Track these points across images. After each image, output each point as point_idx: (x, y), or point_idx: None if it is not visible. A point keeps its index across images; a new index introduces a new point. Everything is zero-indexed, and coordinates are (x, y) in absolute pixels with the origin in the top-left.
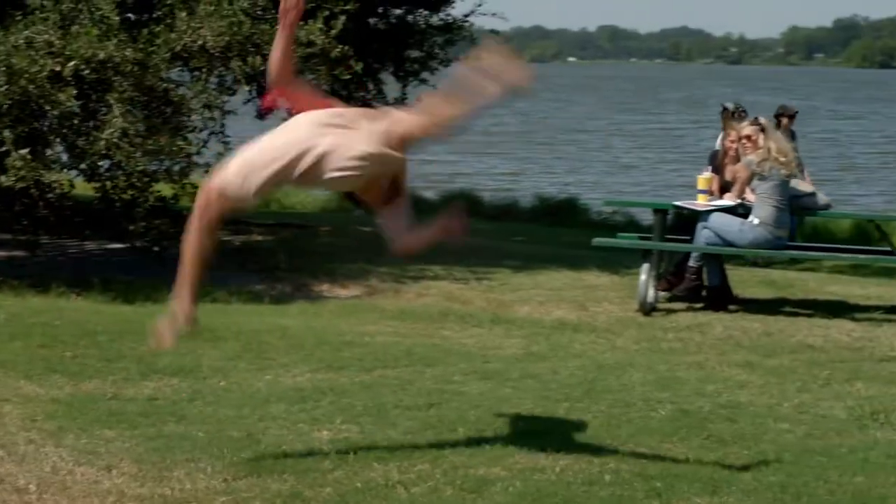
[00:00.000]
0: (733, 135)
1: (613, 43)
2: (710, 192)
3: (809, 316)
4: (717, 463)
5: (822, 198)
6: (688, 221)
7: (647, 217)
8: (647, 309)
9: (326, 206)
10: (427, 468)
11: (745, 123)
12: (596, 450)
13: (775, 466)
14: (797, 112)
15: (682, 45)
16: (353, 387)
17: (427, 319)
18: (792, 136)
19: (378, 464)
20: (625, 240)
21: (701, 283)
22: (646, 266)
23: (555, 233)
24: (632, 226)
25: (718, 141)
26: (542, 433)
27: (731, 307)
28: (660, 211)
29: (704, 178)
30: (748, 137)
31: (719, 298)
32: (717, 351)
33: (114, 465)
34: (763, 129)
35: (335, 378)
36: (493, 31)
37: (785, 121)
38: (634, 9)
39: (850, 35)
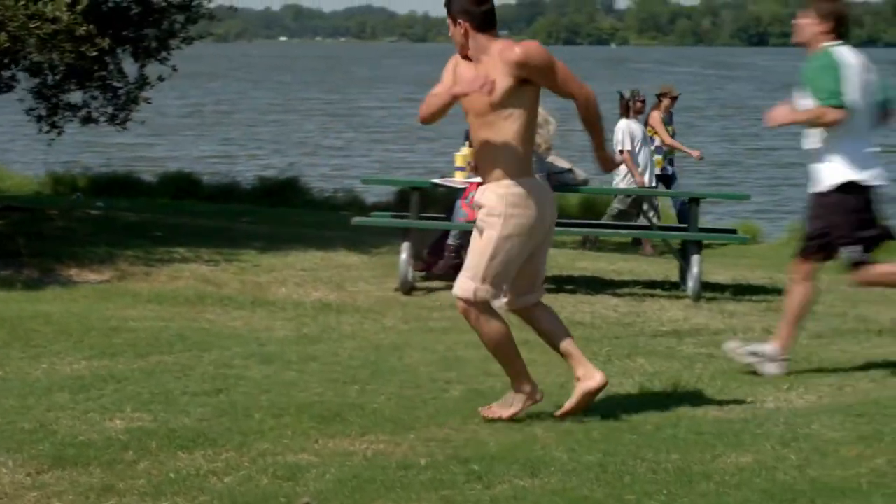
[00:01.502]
0: None
1: (299, 22)
2: (468, 169)
3: (572, 292)
4: (527, 443)
5: (579, 173)
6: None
7: (371, 196)
8: (407, 288)
9: (41, 189)
10: (234, 456)
11: None
12: (401, 432)
13: (587, 445)
14: (679, 94)
15: (368, 24)
16: (134, 374)
17: (186, 303)
18: (670, 117)
19: (182, 453)
20: (384, 219)
21: (461, 261)
22: (406, 245)
23: (280, 213)
24: (355, 205)
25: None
26: (340, 417)
27: None
28: (417, 189)
29: (462, 154)
30: None
31: None
32: None
33: None
34: None
35: (112, 365)
36: (232, 8)
37: (666, 101)
38: None
39: (535, 11)
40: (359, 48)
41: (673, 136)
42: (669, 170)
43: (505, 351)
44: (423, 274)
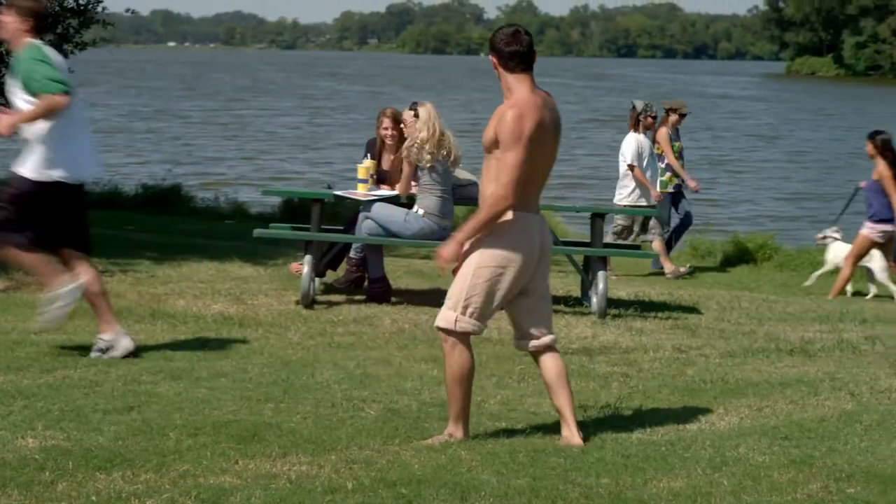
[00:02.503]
0: (386, 122)
1: (167, 27)
2: (370, 182)
3: None
4: (452, 466)
5: None
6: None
7: (256, 205)
8: (309, 301)
9: None
10: (153, 477)
11: (408, 110)
12: (322, 454)
13: (515, 469)
14: (688, 113)
15: (237, 30)
16: (41, 389)
17: (85, 315)
18: (677, 133)
19: (101, 474)
20: (286, 231)
21: (362, 274)
22: (308, 258)
23: (165, 221)
24: (240, 214)
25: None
26: (258, 437)
27: (393, 299)
28: (318, 201)
29: (364, 166)
30: (405, 125)
31: (383, 291)
32: (395, 345)
33: None
34: (417, 116)
35: (18, 380)
36: (131, 10)
37: (674, 117)
38: None
39: (403, 20)
40: (228, 54)
41: (680, 154)
42: (681, 187)
43: (462, 387)
44: (321, 286)
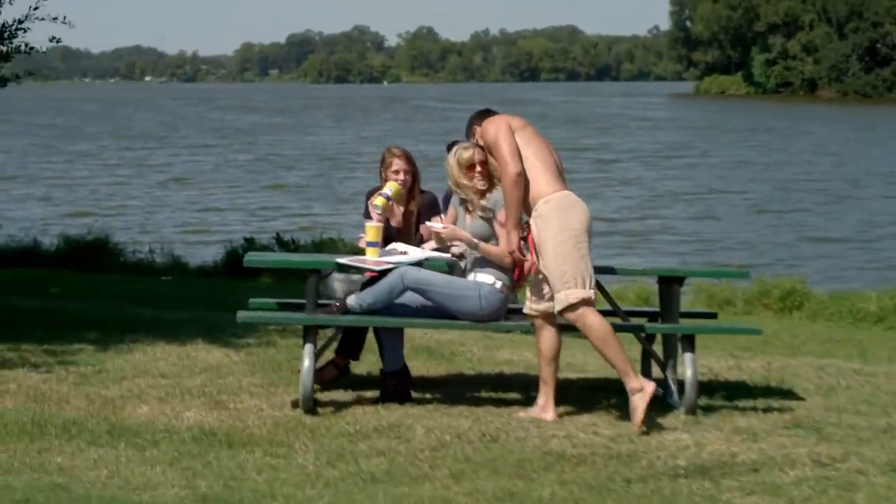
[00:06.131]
0: (398, 163)
1: (67, 63)
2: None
3: (514, 403)
4: None
5: None
6: None
7: (193, 258)
8: (310, 405)
9: None
10: None
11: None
12: None
13: None
14: None
15: (137, 64)
16: None
17: (22, 435)
18: None
19: None
20: (277, 313)
21: (348, 361)
22: (309, 348)
23: (94, 280)
24: (178, 268)
25: None
26: None
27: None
28: (315, 271)
29: (374, 226)
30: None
31: (403, 386)
32: (446, 471)
33: None
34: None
35: None
36: (55, 39)
37: None
38: (84, 27)
39: (304, 50)
40: (129, 88)
41: None
42: None
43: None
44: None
